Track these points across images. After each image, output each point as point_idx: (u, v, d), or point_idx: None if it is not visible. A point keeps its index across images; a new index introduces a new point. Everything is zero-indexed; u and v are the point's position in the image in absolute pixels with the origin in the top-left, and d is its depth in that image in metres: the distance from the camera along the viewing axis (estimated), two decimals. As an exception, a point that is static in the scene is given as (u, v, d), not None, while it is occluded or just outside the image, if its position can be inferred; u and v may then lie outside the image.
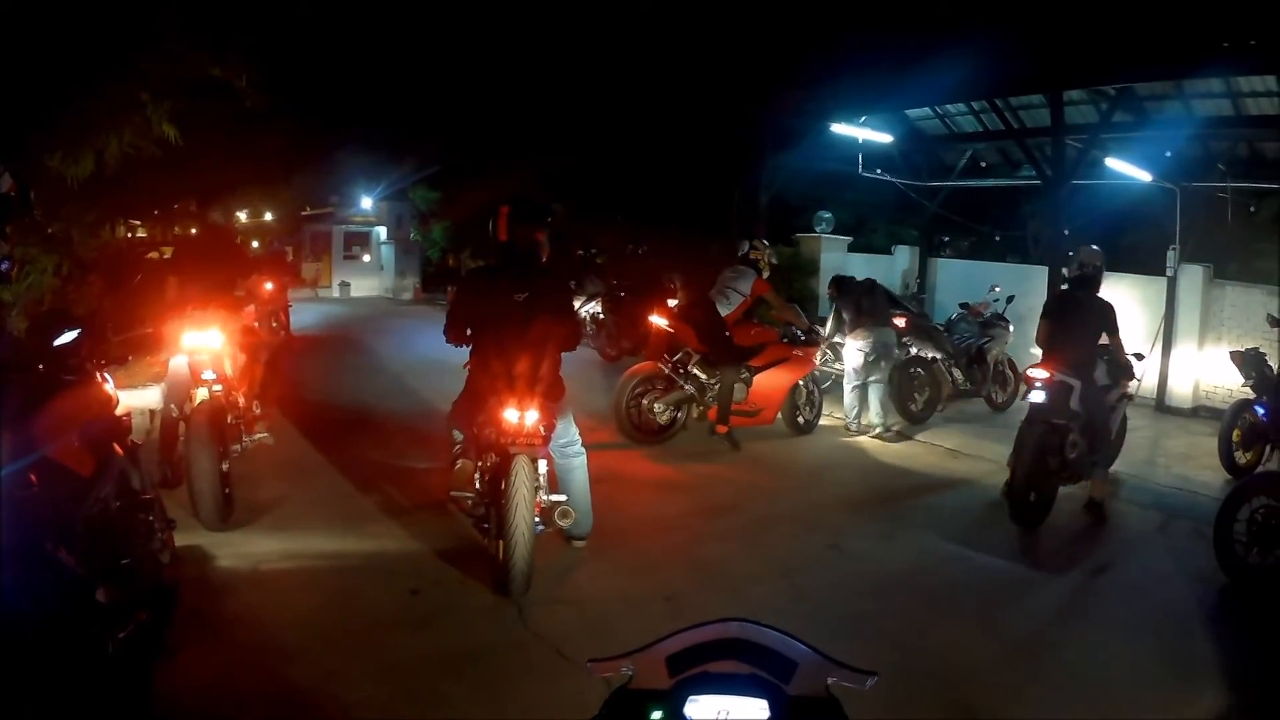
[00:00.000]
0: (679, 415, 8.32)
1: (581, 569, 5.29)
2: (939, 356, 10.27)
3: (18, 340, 3.95)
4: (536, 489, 4.74)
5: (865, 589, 5.24)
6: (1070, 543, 6.40)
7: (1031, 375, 6.54)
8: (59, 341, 3.46)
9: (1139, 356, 7.40)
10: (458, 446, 5.32)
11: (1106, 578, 5.81)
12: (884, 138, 14.55)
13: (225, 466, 5.54)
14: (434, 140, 19.70)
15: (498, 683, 3.92)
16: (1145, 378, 11.13)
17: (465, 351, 5.13)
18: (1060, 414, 6.44)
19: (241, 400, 6.23)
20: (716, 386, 8.26)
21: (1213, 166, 13.64)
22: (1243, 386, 8.20)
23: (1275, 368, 7.93)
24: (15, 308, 6.57)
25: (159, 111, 7.16)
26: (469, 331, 5.04)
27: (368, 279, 27.65)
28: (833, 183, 16.75)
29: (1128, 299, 11.23)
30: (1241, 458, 8.13)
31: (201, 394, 5.62)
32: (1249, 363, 7.95)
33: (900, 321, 9.90)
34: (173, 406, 6.06)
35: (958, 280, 14.32)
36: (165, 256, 9.76)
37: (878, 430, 9.25)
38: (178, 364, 5.94)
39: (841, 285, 9.83)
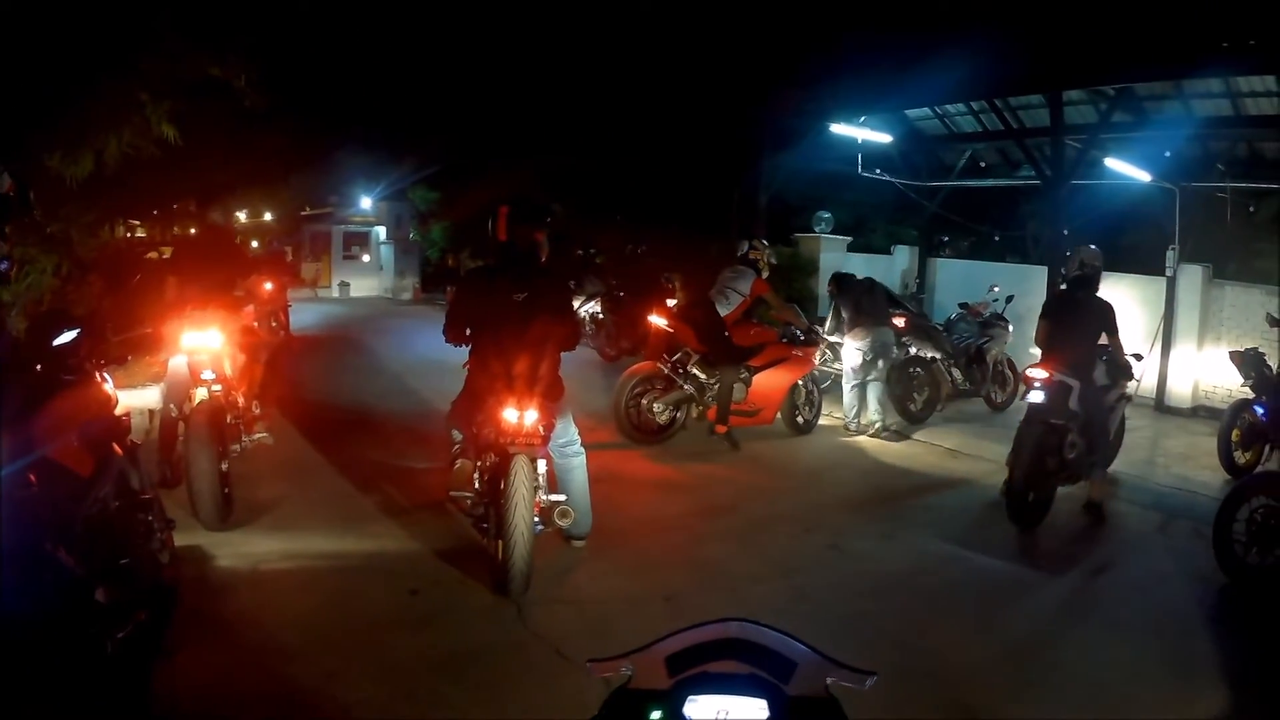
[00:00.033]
0: (678, 415, 8.32)
1: (581, 569, 5.29)
2: (938, 356, 10.28)
3: (17, 340, 3.94)
4: (536, 489, 4.74)
5: (865, 589, 5.24)
6: (1070, 543, 6.40)
7: (1030, 375, 6.54)
8: (58, 341, 3.45)
9: (1138, 357, 7.40)
10: (457, 446, 5.32)
11: (1106, 578, 5.81)
12: (883, 138, 14.55)
13: (225, 466, 5.54)
14: (433, 140, 19.70)
15: (497, 683, 3.92)
16: (1145, 377, 11.14)
17: (464, 351, 5.13)
18: (1059, 414, 6.44)
19: (241, 400, 6.23)
20: (716, 386, 8.26)
21: (1212, 166, 13.66)
22: (1242, 386, 8.19)
23: (1274, 368, 7.93)
24: (14, 308, 6.56)
25: (158, 111, 7.15)
26: (468, 331, 5.04)
27: (367, 279, 27.67)
28: (832, 183, 16.74)
29: (1127, 299, 11.23)
30: (1241, 458, 8.13)
31: (201, 394, 5.62)
32: (1248, 363, 7.95)
33: (899, 321, 9.91)
34: (172, 406, 6.06)
35: (957, 280, 14.33)
36: (165, 256, 9.75)
37: (876, 428, 9.26)
38: (177, 364, 5.94)
39: (841, 283, 9.84)
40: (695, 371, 8.26)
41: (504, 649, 4.23)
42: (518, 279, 4.97)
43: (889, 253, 16.27)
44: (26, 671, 2.70)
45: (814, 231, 15.60)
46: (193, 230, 10.50)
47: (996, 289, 11.43)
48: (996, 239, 22.85)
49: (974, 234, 20.92)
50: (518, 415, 4.66)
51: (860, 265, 14.26)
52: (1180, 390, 11.52)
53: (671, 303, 10.83)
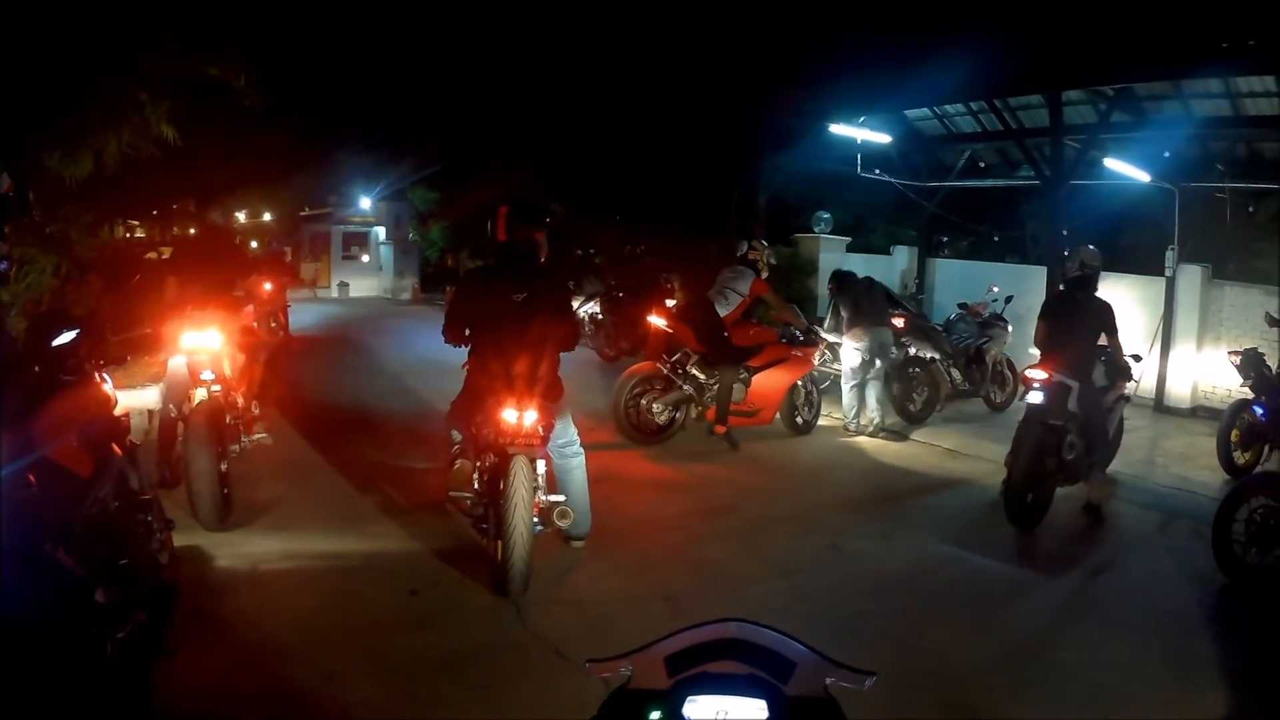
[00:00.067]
0: (677, 415, 8.32)
1: (580, 569, 5.29)
2: (937, 357, 10.28)
3: (16, 341, 3.94)
4: (535, 489, 4.74)
5: (864, 589, 5.24)
6: (1069, 543, 6.41)
7: (1030, 376, 6.53)
8: (57, 342, 3.45)
9: (1137, 358, 7.40)
10: (456, 447, 5.32)
11: (1106, 578, 5.81)
12: (882, 138, 14.55)
13: (224, 467, 5.54)
14: (433, 140, 19.71)
15: (497, 683, 3.92)
16: (1144, 377, 11.15)
17: (464, 351, 5.13)
18: (1058, 415, 6.44)
19: (240, 400, 6.23)
20: (715, 387, 8.26)
21: (1211, 167, 13.65)
22: (1241, 386, 8.20)
23: (1274, 368, 7.94)
24: (14, 308, 6.55)
25: (157, 111, 7.15)
26: (467, 332, 5.04)
27: (366, 279, 27.66)
28: (831, 183, 16.73)
29: (1126, 299, 11.23)
30: (1240, 458, 8.13)
31: (200, 394, 5.62)
32: (1247, 363, 7.96)
33: (899, 321, 9.91)
34: (171, 407, 6.06)
35: (956, 280, 14.32)
36: (164, 257, 9.76)
37: (875, 427, 9.27)
38: (176, 364, 5.94)
39: (841, 282, 9.81)
40: (694, 372, 8.26)
41: (503, 649, 4.23)
42: (517, 279, 4.97)
43: (888, 253, 16.27)
44: (26, 671, 2.70)
45: (813, 232, 15.60)
46: (192, 230, 10.51)
47: (996, 289, 11.43)
48: (996, 239, 22.87)
49: (973, 234, 20.92)
50: (517, 415, 4.66)
51: (859, 265, 14.20)
52: (1179, 390, 11.52)
53: (671, 303, 10.83)
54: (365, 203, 28.36)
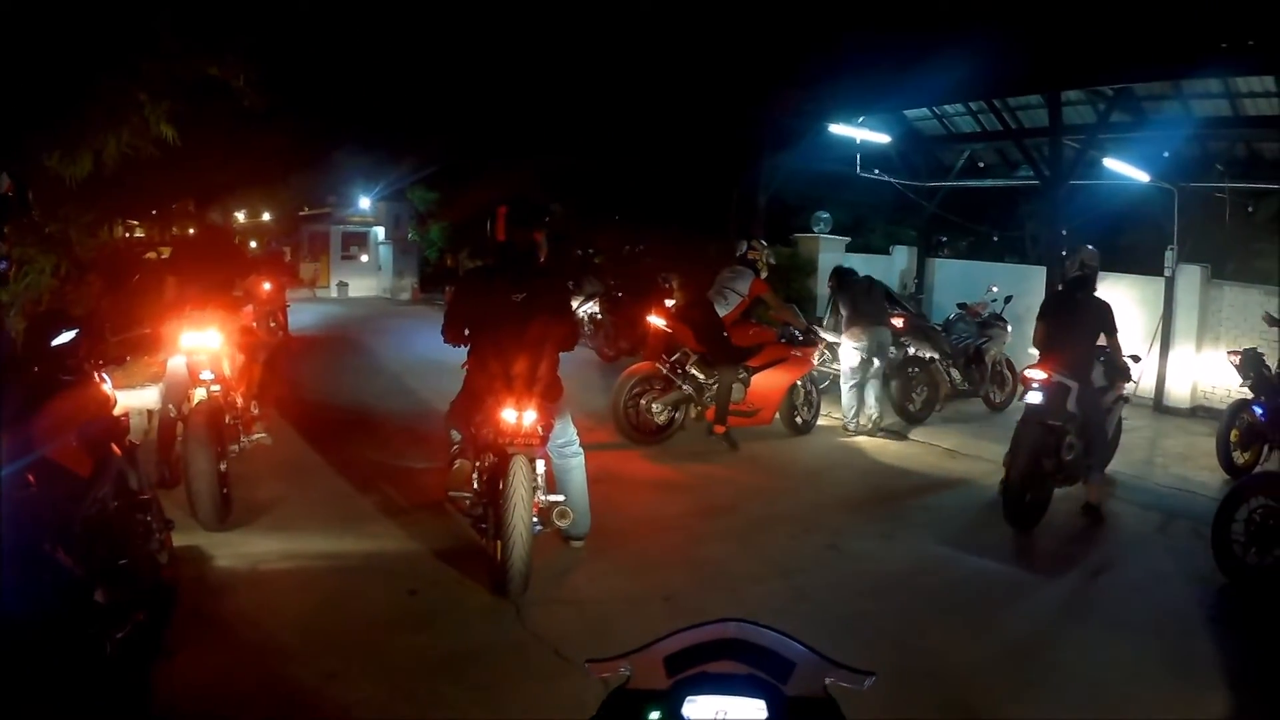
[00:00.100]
0: (677, 415, 8.32)
1: (580, 569, 5.29)
2: (936, 357, 10.28)
3: (15, 341, 3.94)
4: (534, 489, 4.73)
5: (864, 589, 5.24)
6: (1069, 543, 6.41)
7: (1029, 376, 6.53)
8: (57, 342, 3.45)
9: (1136, 358, 7.40)
10: (456, 446, 5.32)
11: (1105, 578, 5.81)
12: (882, 138, 14.55)
13: (223, 467, 5.53)
14: (432, 140, 19.71)
15: (496, 683, 3.92)
16: (1143, 378, 11.15)
17: (463, 351, 5.13)
18: (1057, 415, 6.44)
19: (240, 400, 6.23)
20: (714, 386, 8.26)
21: (1211, 167, 13.66)
22: (1241, 386, 8.20)
23: (1273, 368, 7.94)
24: (13, 308, 6.55)
25: (157, 111, 7.15)
26: (467, 332, 5.03)
27: (366, 279, 27.67)
28: (831, 183, 16.73)
29: (1126, 299, 11.24)
30: (1239, 458, 8.13)
31: (200, 394, 5.62)
32: (1247, 363, 7.96)
33: (898, 321, 9.92)
34: (171, 407, 6.05)
35: (956, 280, 14.32)
36: (163, 257, 9.74)
37: (873, 423, 9.28)
38: (176, 364, 5.94)
39: (842, 279, 9.79)
40: (694, 372, 8.26)
41: (503, 649, 4.23)
42: (516, 279, 4.96)
43: (888, 253, 16.27)
44: (26, 672, 2.70)
45: (813, 232, 15.59)
46: (191, 230, 10.52)
47: (995, 289, 11.43)
48: (995, 239, 22.88)
49: (972, 234, 20.93)
50: (516, 415, 4.66)
51: (859, 265, 14.15)
52: (1179, 390, 11.52)
53: (670, 303, 10.83)
54: (364, 203, 28.37)
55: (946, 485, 7.76)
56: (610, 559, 5.43)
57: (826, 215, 15.66)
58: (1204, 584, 5.59)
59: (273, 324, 13.02)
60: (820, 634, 2.32)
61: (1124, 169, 13.15)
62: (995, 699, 4.09)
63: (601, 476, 6.14)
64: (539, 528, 4.78)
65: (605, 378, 10.58)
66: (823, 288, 12.51)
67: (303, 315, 17.79)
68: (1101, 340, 6.72)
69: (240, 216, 19.97)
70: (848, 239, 16.45)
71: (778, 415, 8.94)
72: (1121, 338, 6.82)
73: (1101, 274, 6.93)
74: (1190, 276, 11.50)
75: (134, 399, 7.21)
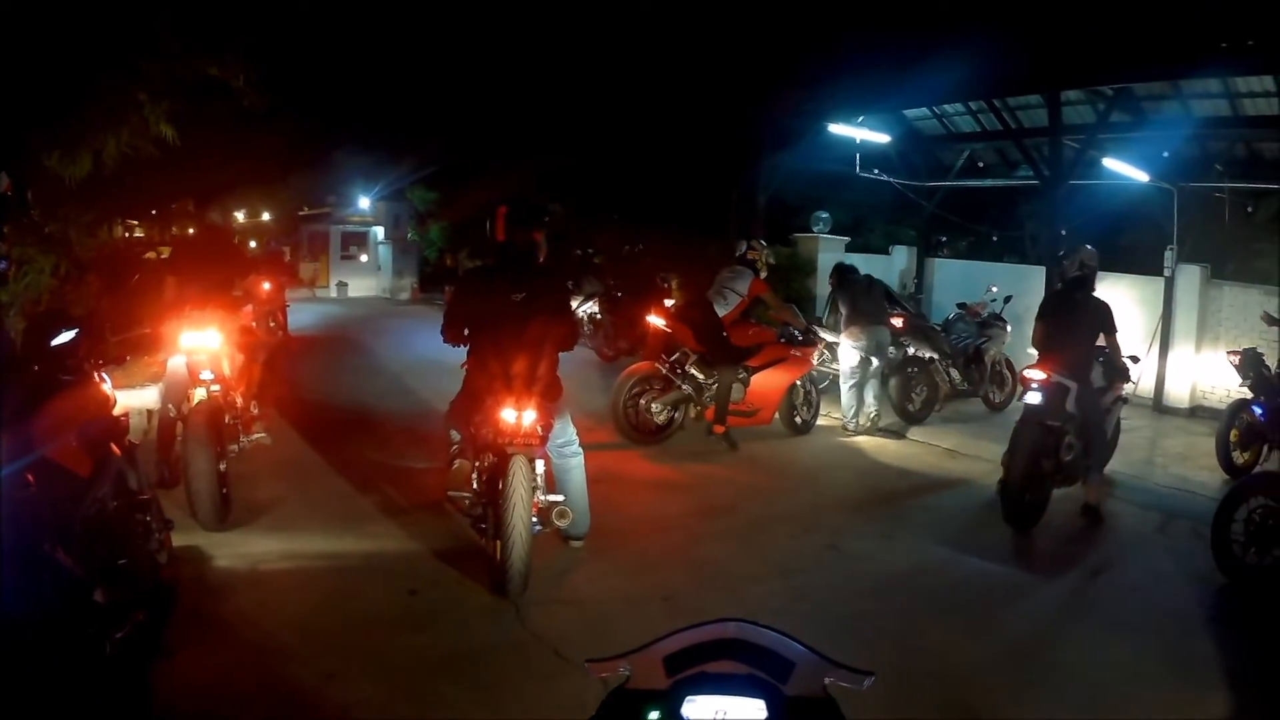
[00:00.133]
0: (676, 415, 8.32)
1: (579, 569, 5.29)
2: (936, 356, 10.28)
3: (15, 341, 3.94)
4: (534, 489, 4.74)
5: (863, 589, 5.24)
6: (1068, 543, 6.41)
7: (1028, 376, 6.52)
8: (56, 342, 3.45)
9: (1134, 359, 7.40)
10: (455, 446, 5.32)
11: (1105, 578, 5.81)
12: (881, 138, 14.56)
13: (223, 467, 5.53)
14: (432, 140, 19.71)
15: (496, 683, 3.92)
16: (1143, 377, 11.16)
17: (463, 351, 5.13)
18: (1056, 415, 6.43)
19: (239, 400, 6.22)
20: (714, 386, 8.26)
21: (1210, 167, 13.68)
22: (1240, 386, 8.21)
23: (1273, 367, 7.94)
24: (13, 308, 6.55)
25: (157, 111, 7.15)
26: (466, 331, 5.04)
27: (365, 279, 27.65)
28: (830, 183, 16.73)
29: (1125, 299, 11.24)
30: (1239, 458, 8.14)
31: (199, 394, 5.61)
32: (1246, 363, 7.96)
33: (898, 321, 9.91)
34: (170, 406, 6.05)
35: (955, 280, 14.32)
36: (163, 256, 9.74)
37: (871, 421, 9.29)
38: (176, 364, 5.93)
39: (842, 277, 9.77)
40: (693, 371, 8.26)
41: (503, 649, 4.23)
42: (516, 279, 4.97)
43: (887, 253, 16.26)
44: (26, 671, 2.70)
45: (812, 231, 15.59)
46: (191, 230, 10.52)
47: (995, 289, 11.43)
48: (995, 239, 22.87)
49: (972, 234, 20.93)
50: (516, 415, 4.66)
51: (858, 265, 14.20)
52: (1178, 390, 11.52)
53: (669, 303, 10.83)
54: (364, 202, 28.35)
55: (946, 485, 7.77)
56: (610, 559, 5.43)
57: (826, 215, 15.66)
58: (1204, 584, 5.59)
59: (272, 324, 13.01)
60: (820, 634, 2.32)
61: (1123, 169, 13.15)
62: (995, 699, 4.09)
63: (601, 476, 6.14)
64: (538, 528, 4.78)
65: (605, 378, 10.59)
66: (822, 288, 12.51)
67: (302, 315, 17.78)
68: (1101, 340, 6.72)
69: (240, 216, 19.94)
70: (847, 239, 16.44)
71: (777, 415, 8.94)
72: (1121, 338, 6.82)
73: (1101, 274, 6.93)
74: (1190, 276, 11.50)
75: (134, 399, 7.21)
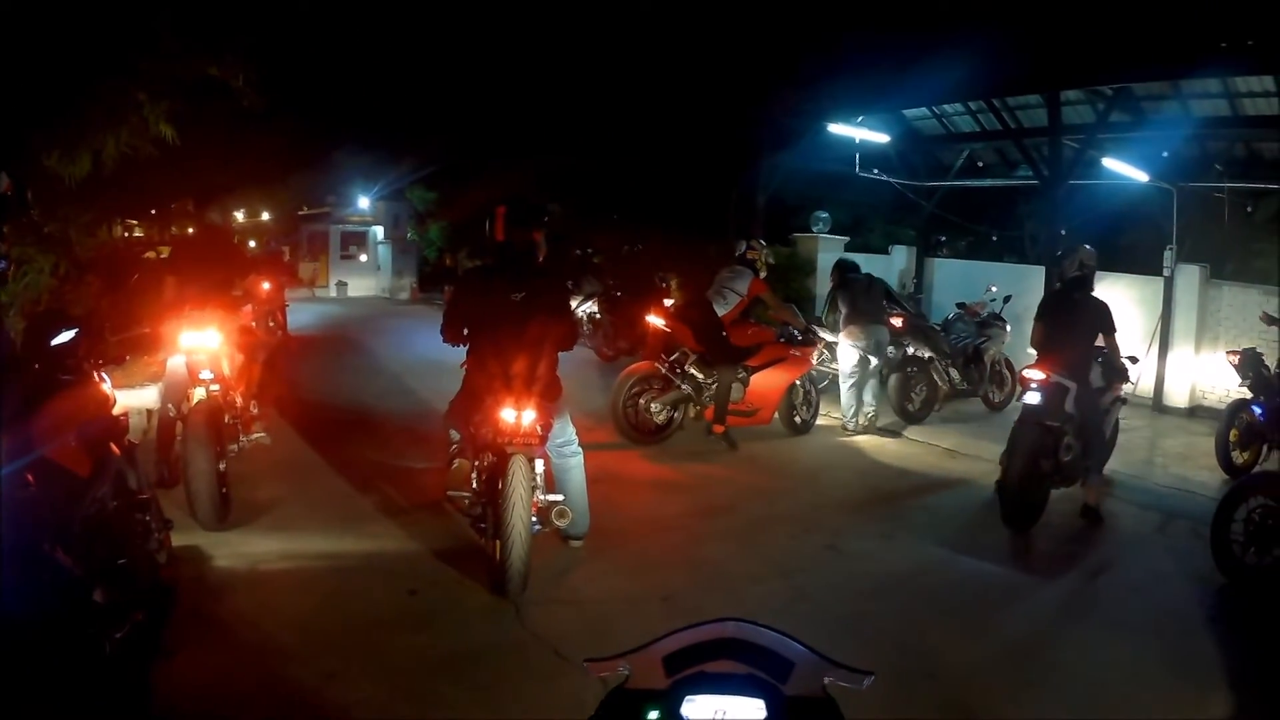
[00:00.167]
0: (676, 415, 8.32)
1: (579, 569, 5.29)
2: (935, 356, 10.28)
3: (15, 340, 3.94)
4: (533, 489, 4.73)
5: (863, 589, 5.24)
6: (1068, 543, 6.40)
7: (1027, 376, 6.52)
8: (56, 341, 3.45)
9: (1133, 360, 7.39)
10: (455, 446, 5.33)
11: (1105, 578, 5.81)
12: (881, 138, 14.56)
13: (222, 466, 5.53)
14: (431, 140, 19.72)
15: (495, 683, 3.92)
16: (1142, 378, 11.16)
17: (462, 351, 5.13)
18: (1055, 416, 6.42)
19: (239, 400, 6.22)
20: (713, 386, 8.26)
21: (1210, 166, 13.68)
22: (1240, 386, 8.21)
23: (1272, 367, 7.95)
24: (12, 308, 6.55)
25: (156, 111, 7.15)
26: (466, 331, 5.04)
27: (365, 279, 27.66)
28: (830, 183, 16.74)
29: (1125, 299, 11.25)
30: (1239, 458, 8.14)
31: (199, 394, 5.61)
32: (1246, 362, 7.97)
33: (897, 321, 9.91)
34: (170, 406, 6.05)
35: (955, 280, 14.33)
36: (163, 256, 9.72)
37: (869, 419, 9.29)
38: (175, 364, 5.93)
39: (843, 276, 9.76)
40: (693, 371, 8.26)
41: (502, 649, 4.23)
42: (515, 279, 4.97)
43: (887, 253, 16.25)
44: (25, 671, 2.69)
45: (812, 231, 15.59)
46: (190, 230, 10.50)
47: (994, 289, 11.44)
48: (994, 239, 22.89)
49: (972, 234, 20.95)
50: (515, 415, 4.66)
51: (858, 264, 14.28)
52: (1178, 390, 11.53)
53: (669, 302, 10.83)
54: (363, 202, 28.36)
55: (946, 485, 7.77)
56: (609, 559, 5.43)
57: (825, 215, 15.66)
58: (1203, 584, 5.59)
59: (272, 323, 12.99)
60: (819, 634, 2.32)
61: (1123, 169, 13.16)
62: (995, 699, 4.09)
63: (600, 476, 6.14)
64: (538, 527, 4.78)
65: (604, 377, 10.59)
66: (821, 288, 12.51)
67: (302, 315, 17.77)
68: (1100, 341, 6.71)
69: (239, 216, 19.96)
70: (847, 239, 16.45)
71: (777, 415, 8.94)
72: (1120, 338, 6.81)
73: (1100, 274, 6.93)
74: (1189, 276, 11.51)
75: (133, 398, 7.21)
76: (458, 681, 3.88)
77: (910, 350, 10.14)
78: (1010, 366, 10.85)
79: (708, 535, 6.04)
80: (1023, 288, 11.70)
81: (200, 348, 5.67)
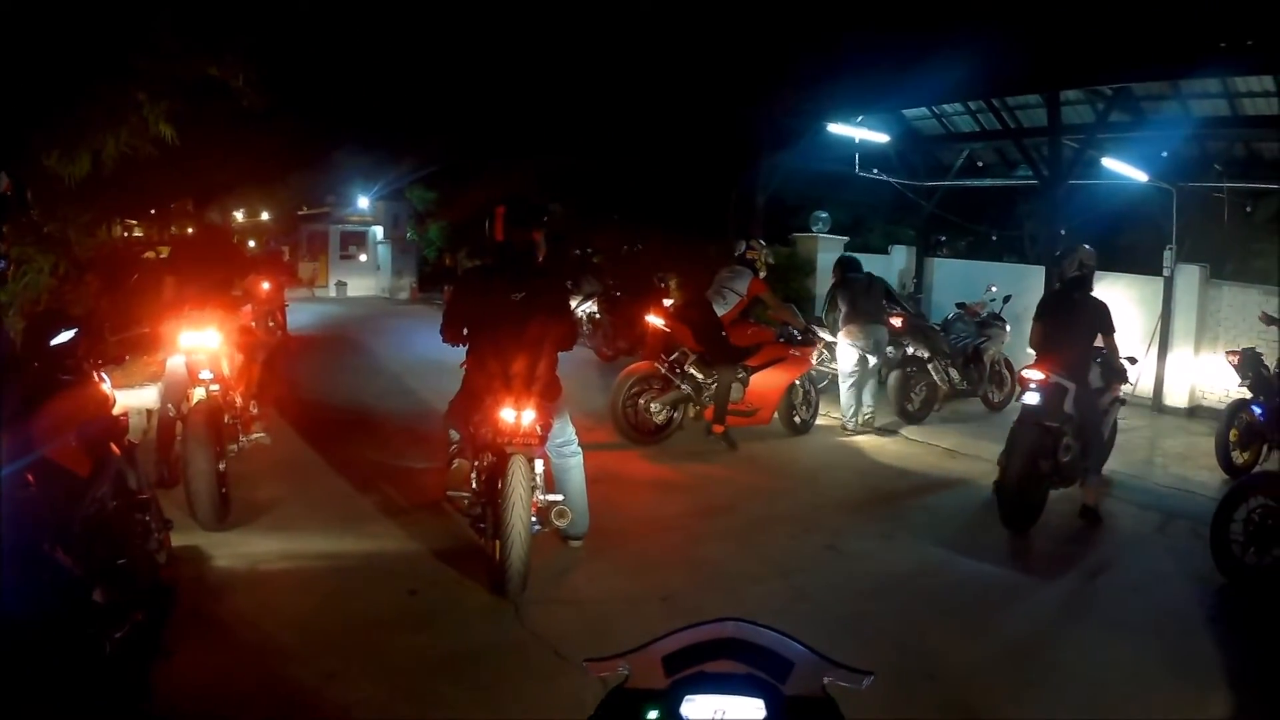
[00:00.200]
0: (675, 415, 8.32)
1: (578, 569, 5.29)
2: (935, 356, 10.28)
3: (14, 340, 3.94)
4: (533, 489, 4.73)
5: (863, 589, 5.24)
6: (1068, 543, 6.40)
7: (1026, 377, 6.51)
8: (56, 341, 3.45)
9: (1132, 360, 7.39)
10: (454, 446, 5.33)
11: (1105, 578, 5.81)
12: (881, 138, 14.56)
13: (222, 466, 5.53)
14: (431, 140, 19.70)
15: (495, 683, 3.92)
16: (1142, 378, 11.16)
17: (462, 351, 5.13)
18: (1054, 416, 6.42)
19: (239, 400, 6.22)
20: (713, 386, 8.25)
21: (1209, 166, 13.68)
22: (1239, 386, 8.21)
23: (1272, 367, 7.95)
24: (12, 308, 6.55)
25: (156, 111, 7.15)
26: (465, 331, 5.04)
27: (364, 279, 27.66)
28: (830, 183, 16.74)
29: (1124, 299, 11.25)
30: (1239, 458, 8.15)
31: (199, 394, 5.60)
32: (1246, 363, 7.97)
33: (897, 321, 9.92)
34: (170, 406, 6.05)
35: (954, 280, 14.33)
36: (162, 256, 9.72)
37: (867, 419, 9.29)
38: (175, 364, 5.93)
39: (845, 274, 9.75)
40: (692, 371, 8.26)
41: (502, 649, 4.23)
42: (515, 279, 4.97)
43: (886, 252, 16.24)
44: (25, 672, 2.69)
45: (811, 231, 15.58)
46: (190, 230, 10.49)
47: (994, 289, 11.44)
48: (994, 239, 22.88)
49: (971, 234, 20.94)
50: (515, 415, 4.66)
51: (858, 264, 14.28)
52: (1178, 390, 11.53)
53: (668, 302, 10.83)
54: (363, 202, 28.35)
55: (945, 485, 7.77)
56: (609, 559, 5.43)
57: (825, 215, 15.65)
58: (1203, 584, 5.59)
59: (271, 323, 12.99)
60: (819, 634, 2.32)
61: (1123, 169, 13.16)
62: (995, 699, 4.09)
63: (600, 476, 6.14)
64: (537, 527, 4.78)
65: (604, 377, 10.59)
66: (821, 288, 12.51)
67: (301, 315, 17.76)
68: (1099, 341, 6.71)
69: (239, 216, 19.93)
70: (846, 239, 16.43)
71: (776, 415, 8.94)
72: (1119, 338, 6.81)
73: (1099, 274, 6.92)
74: (1189, 276, 11.51)
75: (133, 398, 7.21)
76: (458, 681, 3.88)
77: (910, 350, 10.14)
78: (1010, 366, 10.85)
79: (707, 535, 6.04)
80: (1022, 288, 11.70)
81: (200, 348, 5.67)
